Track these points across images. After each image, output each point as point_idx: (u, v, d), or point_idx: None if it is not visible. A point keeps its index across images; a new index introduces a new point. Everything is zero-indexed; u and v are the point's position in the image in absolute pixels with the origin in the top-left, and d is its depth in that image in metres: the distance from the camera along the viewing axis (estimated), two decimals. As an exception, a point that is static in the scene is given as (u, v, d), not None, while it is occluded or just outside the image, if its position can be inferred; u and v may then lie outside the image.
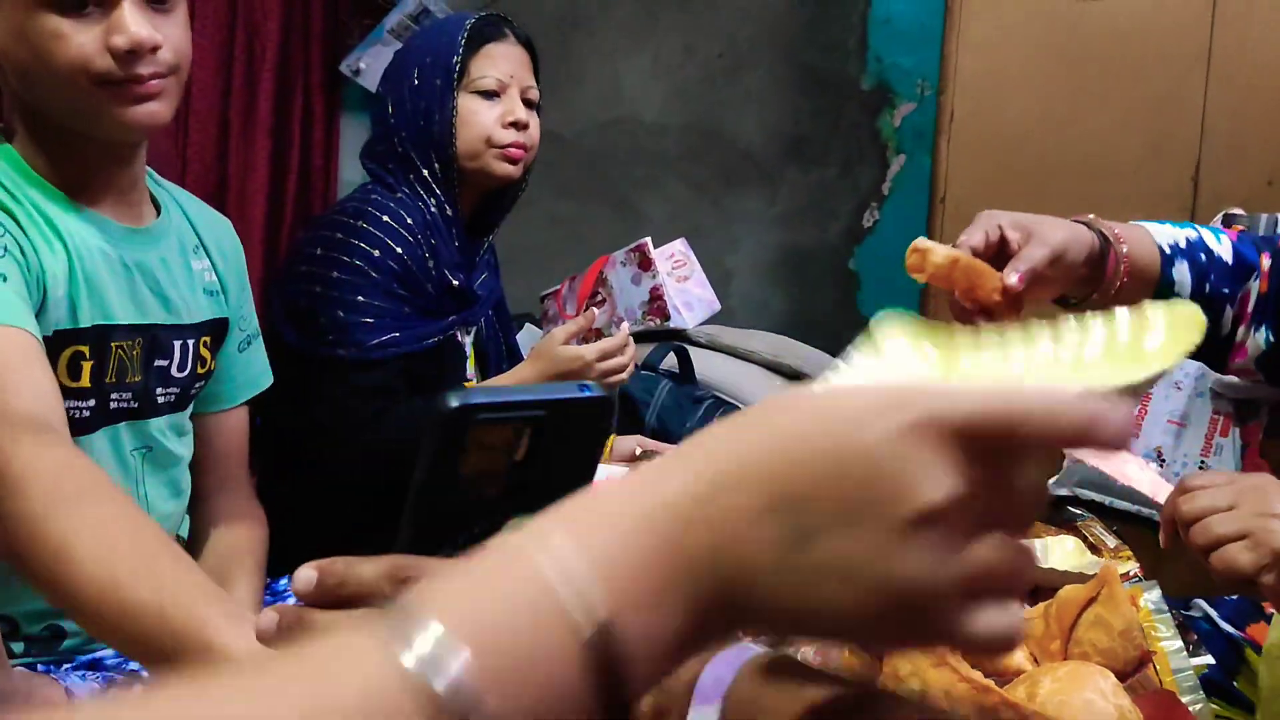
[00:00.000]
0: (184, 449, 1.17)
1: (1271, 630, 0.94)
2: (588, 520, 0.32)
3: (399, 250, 1.40)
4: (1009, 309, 0.77)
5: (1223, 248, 1.00)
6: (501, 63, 1.46)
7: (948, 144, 2.19)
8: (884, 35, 2.77)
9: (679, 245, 2.57)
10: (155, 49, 0.98)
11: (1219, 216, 2.05)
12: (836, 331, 2.89)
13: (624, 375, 1.49)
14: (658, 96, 2.91)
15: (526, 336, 2.66)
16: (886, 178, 2.84)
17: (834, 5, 2.80)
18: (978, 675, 0.70)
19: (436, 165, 1.44)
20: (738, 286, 2.95)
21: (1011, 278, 0.77)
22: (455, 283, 1.46)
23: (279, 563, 1.20)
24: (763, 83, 2.86)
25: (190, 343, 1.13)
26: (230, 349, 1.22)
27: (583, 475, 0.49)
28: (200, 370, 1.16)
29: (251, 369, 1.26)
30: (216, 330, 1.18)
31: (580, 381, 0.49)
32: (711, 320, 2.56)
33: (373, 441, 1.37)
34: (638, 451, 1.59)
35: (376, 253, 1.39)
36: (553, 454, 0.48)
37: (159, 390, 1.10)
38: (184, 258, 1.15)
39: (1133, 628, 0.81)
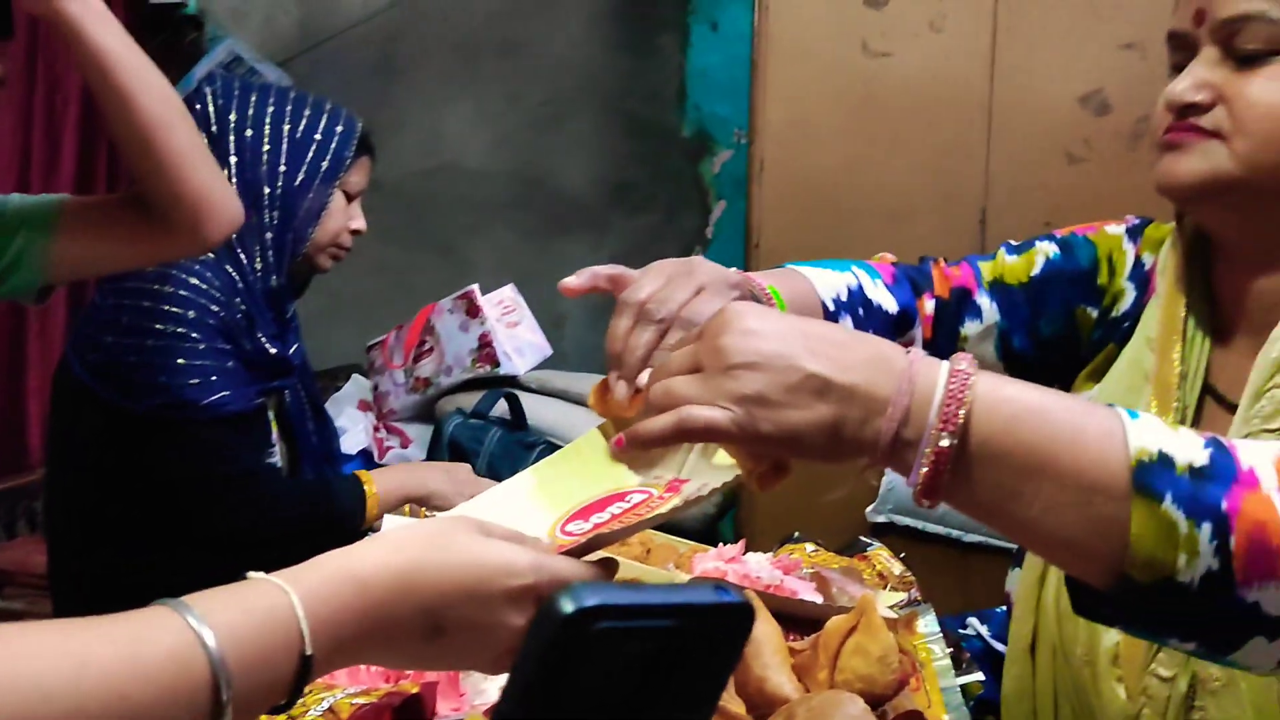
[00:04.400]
0: None
1: (1005, 678, 1.00)
2: (324, 578, 0.53)
3: (214, 308, 1.39)
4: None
5: (881, 293, 0.97)
6: (366, 173, 1.56)
7: (759, 190, 2.29)
8: (701, 86, 2.88)
9: (508, 291, 2.58)
10: None
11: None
12: (668, 372, 2.96)
13: None
14: (481, 144, 2.93)
15: (354, 388, 2.62)
16: (709, 223, 2.93)
17: (652, 56, 2.89)
18: (737, 709, 0.73)
19: (289, 239, 1.45)
20: (571, 330, 2.98)
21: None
22: (273, 351, 1.47)
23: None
24: (586, 130, 2.92)
25: None
26: None
27: (711, 694, 0.41)
28: None
29: None
30: None
31: (717, 584, 0.41)
32: (544, 365, 2.58)
33: (257, 513, 1.41)
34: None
35: (191, 314, 1.38)
36: (679, 671, 0.39)
37: None
38: None
39: (889, 653, 0.86)
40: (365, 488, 1.46)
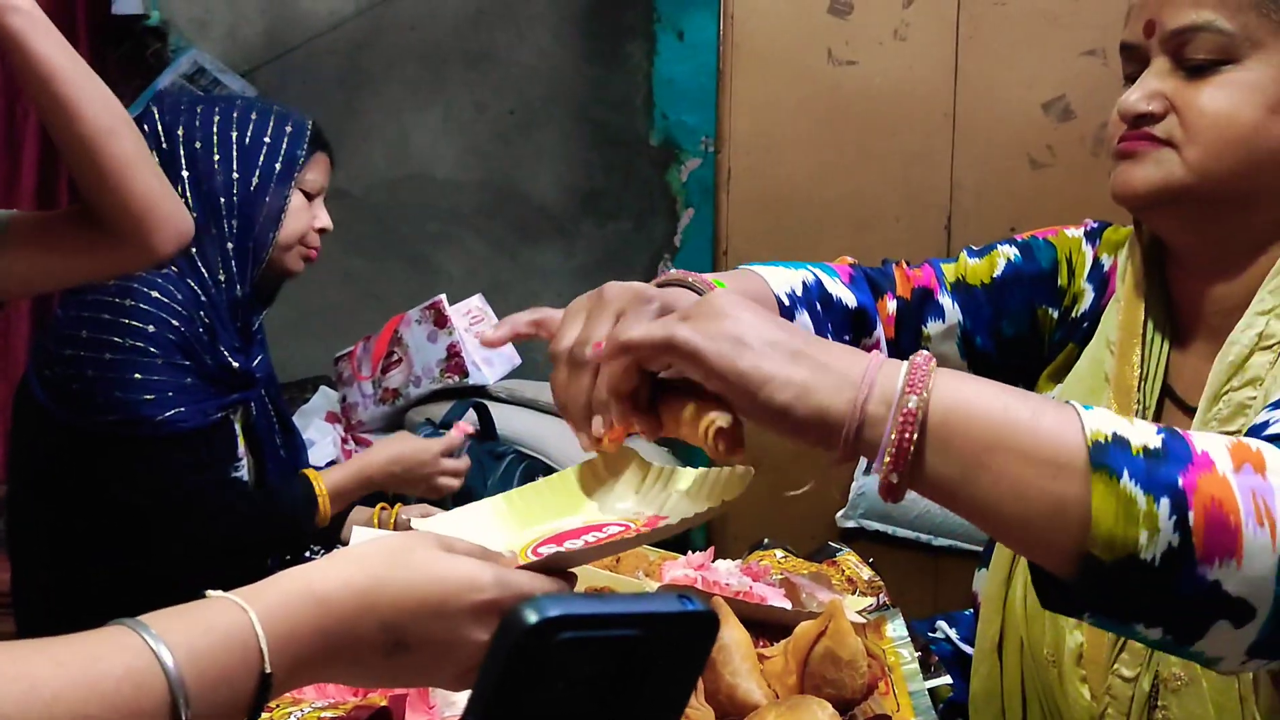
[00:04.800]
0: None
1: (973, 677, 1.01)
2: (284, 596, 0.53)
3: (175, 323, 1.39)
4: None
5: (840, 289, 0.97)
6: (324, 171, 1.54)
7: (727, 199, 2.30)
8: (668, 94, 2.89)
9: (476, 301, 2.58)
10: None
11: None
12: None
13: (457, 483, 1.57)
14: (449, 153, 2.92)
15: (322, 400, 2.60)
16: (678, 230, 2.94)
17: (619, 65, 2.90)
18: (706, 716, 0.74)
19: (251, 246, 1.44)
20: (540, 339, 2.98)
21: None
22: (236, 365, 1.46)
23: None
24: (554, 139, 2.92)
25: None
26: None
27: (677, 704, 0.41)
28: None
29: None
30: None
31: (680, 592, 0.41)
32: (513, 374, 2.57)
33: (212, 530, 1.41)
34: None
35: (151, 328, 1.37)
36: (644, 681, 0.39)
37: None
38: None
39: (858, 658, 0.87)
40: (315, 487, 1.47)
